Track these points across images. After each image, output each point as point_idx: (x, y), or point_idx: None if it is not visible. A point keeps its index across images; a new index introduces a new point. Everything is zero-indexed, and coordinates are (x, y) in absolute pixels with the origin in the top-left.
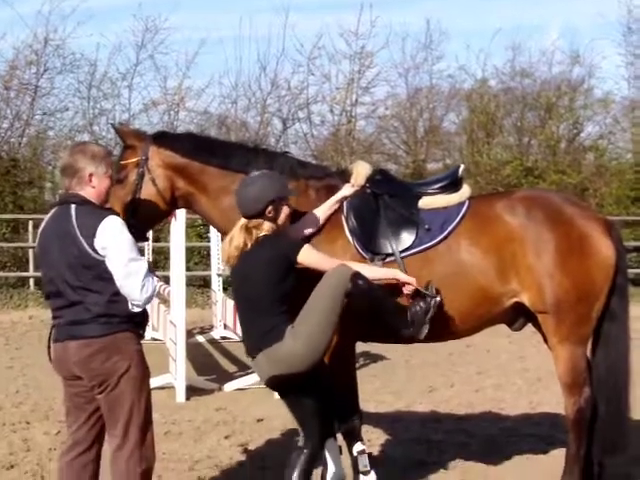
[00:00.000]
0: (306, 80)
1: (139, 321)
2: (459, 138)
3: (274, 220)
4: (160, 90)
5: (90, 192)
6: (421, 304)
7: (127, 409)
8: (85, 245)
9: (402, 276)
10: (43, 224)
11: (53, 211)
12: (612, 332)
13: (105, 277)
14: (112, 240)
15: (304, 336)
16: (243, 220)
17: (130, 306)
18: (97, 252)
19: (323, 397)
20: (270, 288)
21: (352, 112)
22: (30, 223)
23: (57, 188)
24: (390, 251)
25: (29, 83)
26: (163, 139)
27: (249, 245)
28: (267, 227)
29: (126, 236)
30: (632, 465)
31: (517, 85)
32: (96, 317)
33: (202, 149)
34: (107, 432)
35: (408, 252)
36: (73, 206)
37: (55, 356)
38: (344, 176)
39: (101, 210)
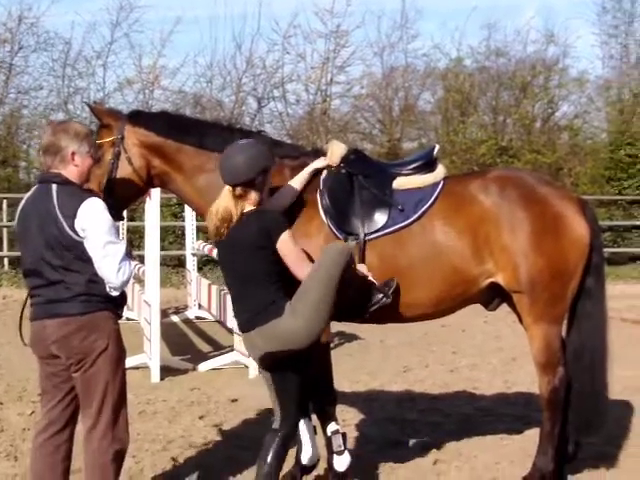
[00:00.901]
0: (281, 59)
1: (118, 301)
2: (434, 117)
3: (260, 190)
4: (135, 69)
5: (72, 171)
6: (374, 296)
7: (102, 388)
8: (65, 226)
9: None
10: (23, 202)
11: (33, 189)
12: (587, 310)
13: (85, 258)
14: (91, 222)
15: (304, 313)
16: (227, 188)
17: (107, 289)
18: (77, 233)
19: (305, 378)
20: (262, 261)
21: (327, 91)
22: (4, 202)
23: (31, 167)
24: (365, 231)
25: (3, 61)
26: (138, 118)
27: (235, 216)
28: (253, 197)
29: (106, 218)
30: (607, 444)
31: (492, 64)
32: (76, 296)
33: (177, 128)
34: (81, 411)
35: (380, 232)
36: (54, 186)
37: (33, 335)
38: (319, 155)
39: (82, 191)
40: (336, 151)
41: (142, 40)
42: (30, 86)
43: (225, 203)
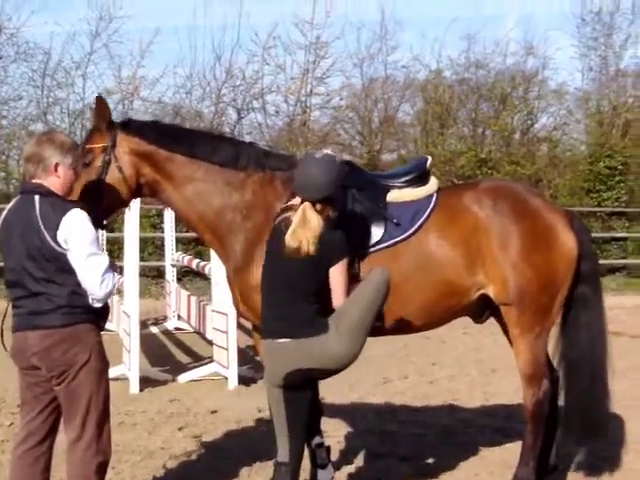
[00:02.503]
0: (261, 70)
1: (100, 313)
2: (414, 129)
3: (335, 205)
4: (114, 79)
5: (54, 182)
6: None
7: (85, 401)
8: (48, 237)
9: None
10: (5, 212)
11: (16, 200)
12: (584, 320)
13: (67, 269)
14: (74, 234)
15: (349, 335)
16: (307, 204)
17: (90, 300)
18: (59, 245)
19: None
20: (316, 277)
21: (307, 102)
22: None
23: (10, 177)
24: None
25: None
26: (130, 126)
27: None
28: (330, 213)
29: (89, 230)
30: (592, 457)
31: (472, 76)
32: (57, 308)
33: (169, 137)
34: (64, 423)
35: (377, 247)
36: (37, 197)
37: (14, 346)
38: None
39: (65, 203)
40: None
41: (121, 50)
42: (9, 96)
43: (314, 216)
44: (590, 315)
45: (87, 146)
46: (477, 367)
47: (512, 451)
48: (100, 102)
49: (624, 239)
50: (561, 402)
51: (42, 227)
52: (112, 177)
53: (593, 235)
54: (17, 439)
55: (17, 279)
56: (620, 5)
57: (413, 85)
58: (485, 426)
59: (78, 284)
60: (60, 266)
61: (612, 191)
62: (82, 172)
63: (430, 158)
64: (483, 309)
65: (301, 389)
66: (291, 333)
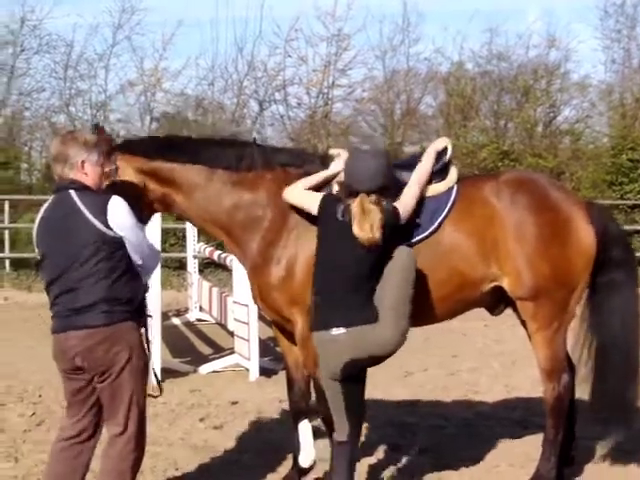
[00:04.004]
0: (283, 62)
1: (139, 310)
2: (436, 121)
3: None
4: (137, 71)
5: (83, 179)
6: None
7: (127, 398)
8: (99, 224)
9: None
10: (42, 212)
11: (52, 198)
12: (615, 304)
13: (115, 257)
14: (122, 216)
15: (395, 320)
16: (363, 196)
17: (142, 274)
18: (111, 229)
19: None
20: (373, 261)
21: (329, 94)
22: (6, 204)
23: (33, 169)
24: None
25: (5, 63)
26: (128, 146)
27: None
28: (384, 202)
29: (131, 213)
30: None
31: (494, 68)
32: (96, 303)
33: (169, 149)
34: (107, 420)
35: None
36: (72, 192)
37: (56, 348)
38: (325, 162)
39: (101, 193)
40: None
41: (144, 42)
42: (32, 88)
43: (374, 209)
44: (622, 300)
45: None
46: (498, 359)
47: (532, 443)
48: (101, 132)
49: None
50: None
51: (90, 216)
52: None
53: None
54: (64, 434)
55: (55, 275)
56: None
57: (435, 77)
58: (505, 418)
59: (119, 276)
60: (110, 252)
61: (635, 183)
62: None
63: (450, 146)
64: (498, 301)
65: (356, 376)
66: (346, 322)
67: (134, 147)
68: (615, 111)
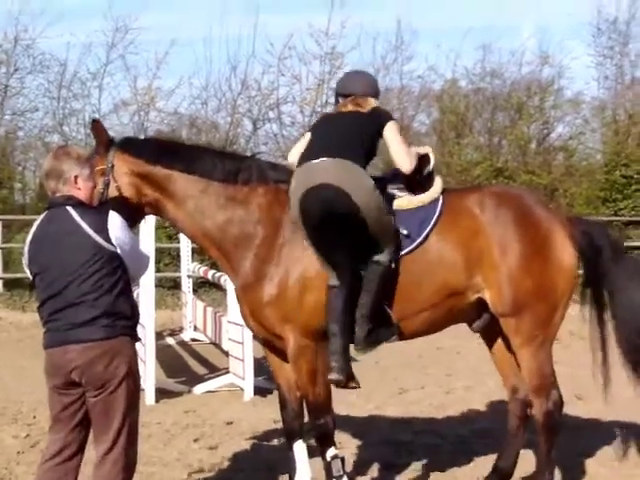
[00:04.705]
0: (276, 81)
1: (134, 325)
2: (429, 139)
3: None
4: (130, 90)
5: (77, 194)
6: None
7: (121, 414)
8: (101, 240)
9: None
10: (35, 228)
11: (45, 214)
12: (620, 296)
13: (116, 272)
14: (120, 230)
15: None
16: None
17: (132, 280)
18: (112, 244)
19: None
20: None
21: (323, 112)
22: None
23: (27, 188)
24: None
25: None
26: (128, 146)
27: None
28: None
29: (128, 228)
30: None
31: (487, 85)
32: (98, 317)
33: (167, 154)
34: (96, 436)
35: None
36: (70, 207)
37: (50, 362)
38: None
39: (98, 208)
40: None
41: (137, 61)
42: (25, 108)
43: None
44: (629, 292)
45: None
46: (493, 378)
47: (528, 461)
48: (96, 126)
49: None
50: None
51: (92, 232)
52: (113, 199)
53: None
54: (48, 453)
55: (57, 291)
56: (636, 14)
57: (428, 95)
58: (501, 436)
59: (121, 292)
60: (112, 268)
61: (628, 200)
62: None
63: (433, 158)
64: (479, 314)
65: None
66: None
67: (133, 147)
68: (608, 127)
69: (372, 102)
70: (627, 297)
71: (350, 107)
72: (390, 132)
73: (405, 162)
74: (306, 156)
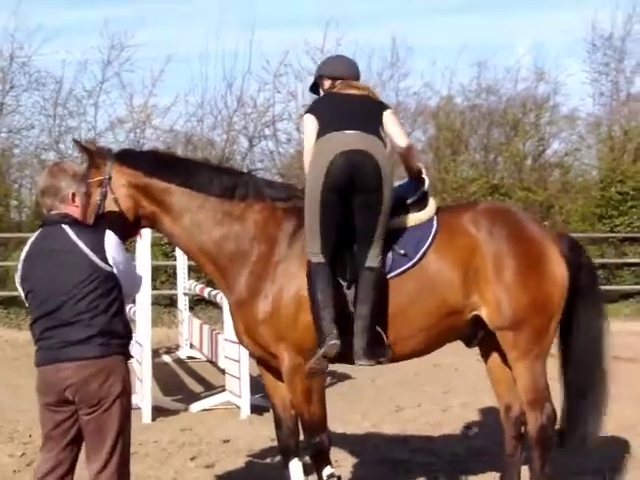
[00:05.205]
0: (272, 98)
1: (128, 344)
2: (425, 156)
3: None
4: (126, 108)
5: (74, 211)
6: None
7: (115, 433)
8: (98, 260)
9: None
10: (30, 245)
11: (40, 231)
12: (582, 328)
13: (112, 293)
14: (117, 250)
15: None
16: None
17: (126, 298)
18: (109, 264)
19: None
20: None
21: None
22: None
23: (22, 206)
24: None
25: None
26: (126, 157)
27: None
28: None
29: (123, 247)
30: None
31: (483, 102)
32: (93, 337)
33: (166, 168)
34: (89, 454)
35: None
36: (66, 226)
37: (43, 380)
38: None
39: (94, 227)
40: None
41: (133, 79)
42: (21, 125)
43: None
44: (587, 327)
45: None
46: (490, 395)
47: (524, 478)
48: (82, 148)
49: (637, 265)
50: None
51: (89, 251)
52: (110, 210)
53: (606, 261)
54: (40, 471)
55: (51, 309)
56: (631, 30)
57: (425, 112)
58: (497, 454)
59: (116, 312)
60: (107, 289)
61: (624, 216)
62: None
63: (427, 180)
64: (475, 332)
65: None
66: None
67: (131, 159)
68: (604, 144)
69: (365, 86)
70: (586, 320)
71: (354, 91)
72: (390, 117)
73: (403, 140)
74: (330, 128)
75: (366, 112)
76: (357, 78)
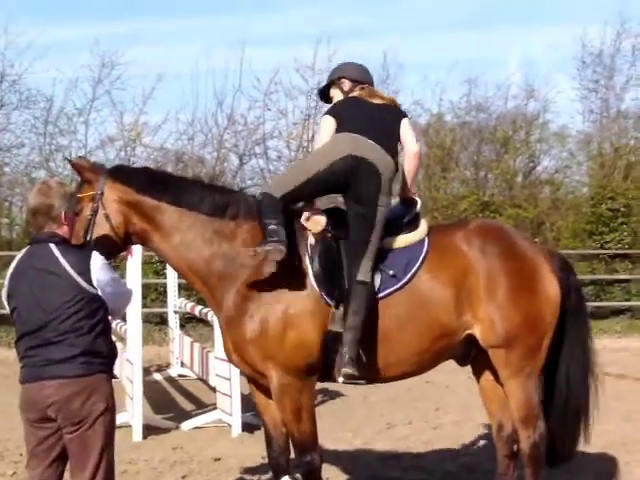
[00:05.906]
0: (262, 115)
1: (112, 363)
2: None
3: None
4: (117, 126)
5: (64, 231)
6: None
7: (98, 451)
8: (82, 282)
9: None
10: (15, 263)
11: (27, 249)
12: (565, 352)
13: (96, 314)
14: (102, 272)
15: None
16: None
17: (113, 320)
18: (93, 286)
19: None
20: None
21: (309, 148)
22: None
23: (13, 224)
24: None
25: None
26: (119, 174)
27: None
28: None
29: (110, 268)
30: None
31: (473, 119)
32: (77, 356)
33: (157, 185)
34: (73, 472)
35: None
36: (53, 245)
37: (26, 398)
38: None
39: (80, 248)
40: (316, 227)
41: (124, 97)
42: (12, 144)
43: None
44: (573, 350)
45: (77, 195)
46: (482, 412)
47: None
48: (73, 165)
49: (627, 281)
50: None
51: (74, 273)
52: (100, 226)
53: (596, 277)
54: None
55: (35, 328)
56: (620, 47)
57: (415, 129)
58: (490, 471)
59: (101, 332)
60: (92, 310)
61: (615, 233)
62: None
63: (420, 202)
64: (469, 350)
65: None
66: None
67: (123, 175)
68: (594, 161)
69: (391, 98)
70: (575, 338)
71: (378, 100)
72: (406, 124)
73: (413, 145)
74: (352, 129)
75: (384, 123)
76: (372, 84)
